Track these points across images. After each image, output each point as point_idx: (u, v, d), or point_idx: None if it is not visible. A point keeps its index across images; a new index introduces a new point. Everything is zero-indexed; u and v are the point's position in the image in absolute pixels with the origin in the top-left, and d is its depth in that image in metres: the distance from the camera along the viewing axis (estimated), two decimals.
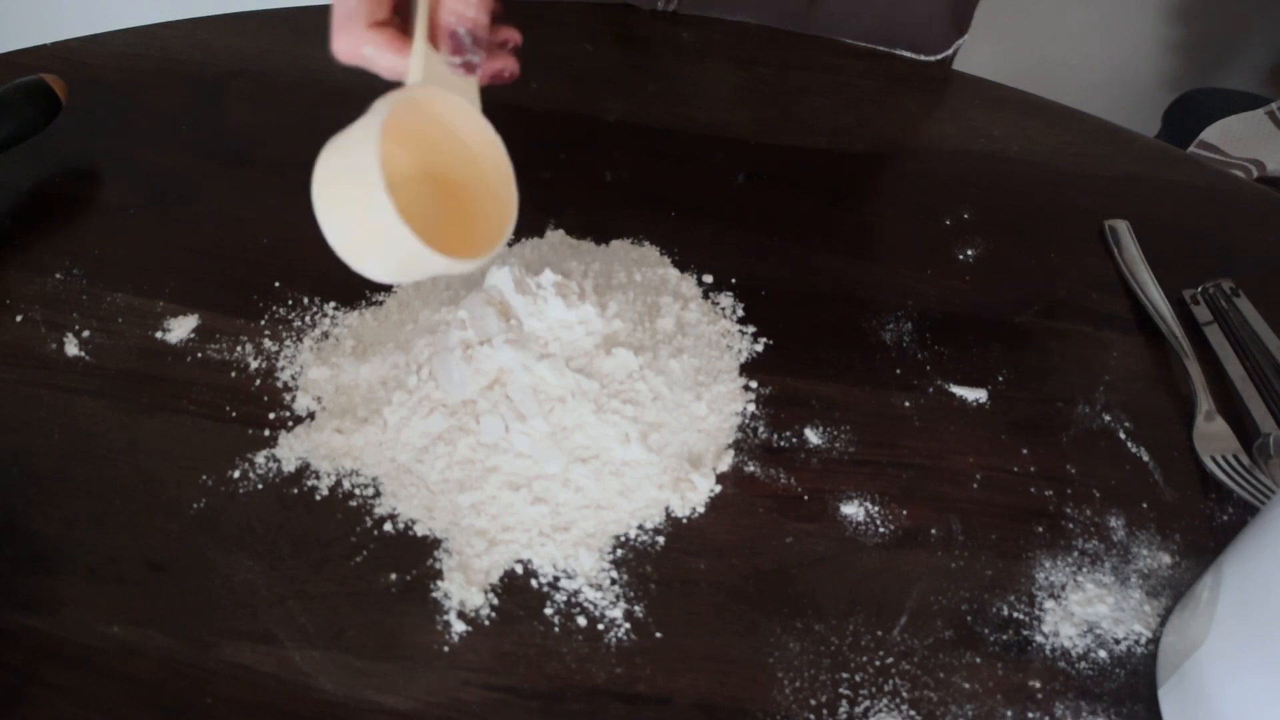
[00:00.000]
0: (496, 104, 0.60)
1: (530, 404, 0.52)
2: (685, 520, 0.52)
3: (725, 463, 0.55)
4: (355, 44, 0.45)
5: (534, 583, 0.49)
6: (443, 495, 0.52)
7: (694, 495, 0.53)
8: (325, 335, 0.58)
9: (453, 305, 0.57)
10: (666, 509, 0.53)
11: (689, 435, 0.55)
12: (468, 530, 0.51)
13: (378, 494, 0.52)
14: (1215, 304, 0.62)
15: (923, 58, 0.84)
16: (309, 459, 0.53)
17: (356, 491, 0.52)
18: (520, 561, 0.50)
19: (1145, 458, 0.56)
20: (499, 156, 0.46)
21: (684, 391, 0.56)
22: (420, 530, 0.51)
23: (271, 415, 0.55)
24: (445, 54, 0.45)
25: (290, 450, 0.53)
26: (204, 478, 0.52)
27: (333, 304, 0.60)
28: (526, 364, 0.52)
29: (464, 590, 0.49)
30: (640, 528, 0.52)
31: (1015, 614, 0.50)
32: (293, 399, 0.56)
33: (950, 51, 0.86)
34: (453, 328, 0.54)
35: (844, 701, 0.46)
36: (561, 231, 0.65)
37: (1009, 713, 0.46)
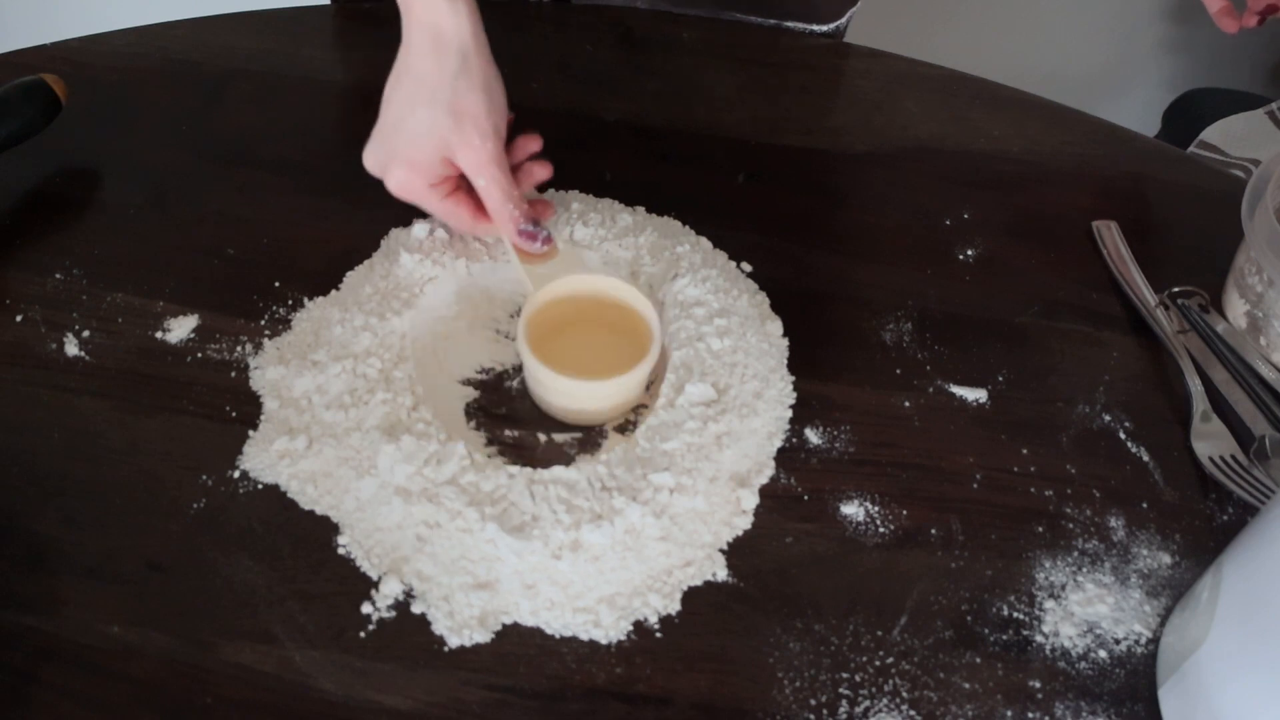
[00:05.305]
0: None
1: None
2: None
3: (767, 474, 0.54)
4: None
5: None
6: (414, 557, 0.49)
7: (741, 520, 0.51)
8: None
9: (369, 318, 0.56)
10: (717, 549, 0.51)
11: (743, 457, 0.53)
12: (446, 586, 0.48)
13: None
14: (1188, 315, 0.62)
15: (814, 28, 0.82)
16: (275, 479, 0.52)
17: None
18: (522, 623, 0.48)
19: (1145, 458, 0.56)
20: (618, 286, 0.56)
21: (751, 416, 0.54)
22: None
23: None
24: (528, 250, 0.57)
25: (255, 463, 0.52)
26: (204, 478, 0.52)
27: None
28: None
29: (448, 620, 0.47)
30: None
31: (1015, 614, 0.50)
32: None
33: (844, 21, 0.84)
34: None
35: (844, 701, 0.46)
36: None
37: (1009, 713, 0.46)
